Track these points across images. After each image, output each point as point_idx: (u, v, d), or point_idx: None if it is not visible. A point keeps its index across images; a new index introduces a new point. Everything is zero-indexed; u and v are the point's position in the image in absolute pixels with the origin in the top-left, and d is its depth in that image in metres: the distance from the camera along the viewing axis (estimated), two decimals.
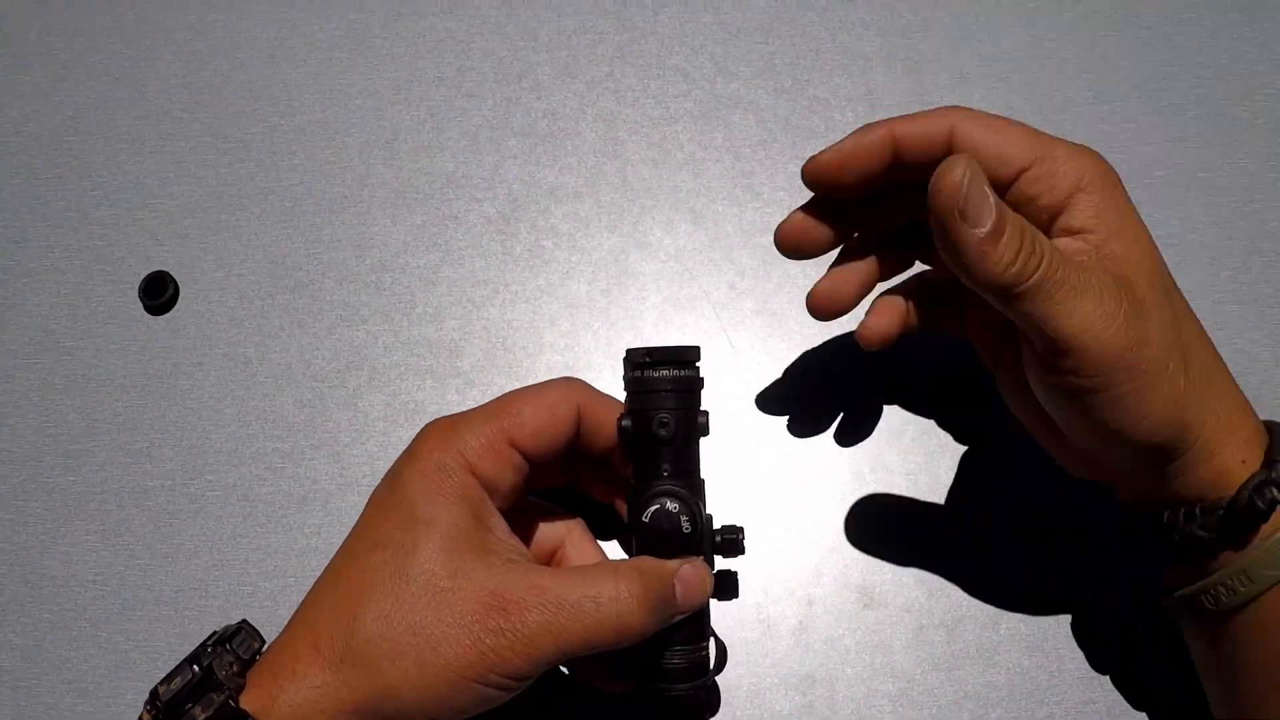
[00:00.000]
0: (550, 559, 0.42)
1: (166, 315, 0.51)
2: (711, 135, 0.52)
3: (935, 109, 0.37)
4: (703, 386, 0.40)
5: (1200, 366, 0.36)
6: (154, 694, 0.35)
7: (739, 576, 0.41)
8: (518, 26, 0.55)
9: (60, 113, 0.55)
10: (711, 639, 0.40)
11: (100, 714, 0.46)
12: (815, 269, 0.50)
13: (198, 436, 0.49)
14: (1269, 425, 0.37)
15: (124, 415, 0.50)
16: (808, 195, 0.51)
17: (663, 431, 0.38)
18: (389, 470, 0.38)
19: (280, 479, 0.48)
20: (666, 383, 0.38)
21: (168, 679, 0.36)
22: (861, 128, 0.38)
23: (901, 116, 0.37)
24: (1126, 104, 0.52)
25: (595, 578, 0.35)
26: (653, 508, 0.37)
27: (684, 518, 0.37)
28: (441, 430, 0.38)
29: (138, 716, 0.36)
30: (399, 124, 0.53)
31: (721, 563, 0.40)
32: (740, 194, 0.51)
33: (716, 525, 0.40)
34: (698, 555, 0.38)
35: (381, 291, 0.51)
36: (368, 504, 0.38)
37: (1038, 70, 0.53)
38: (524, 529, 0.41)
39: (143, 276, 0.51)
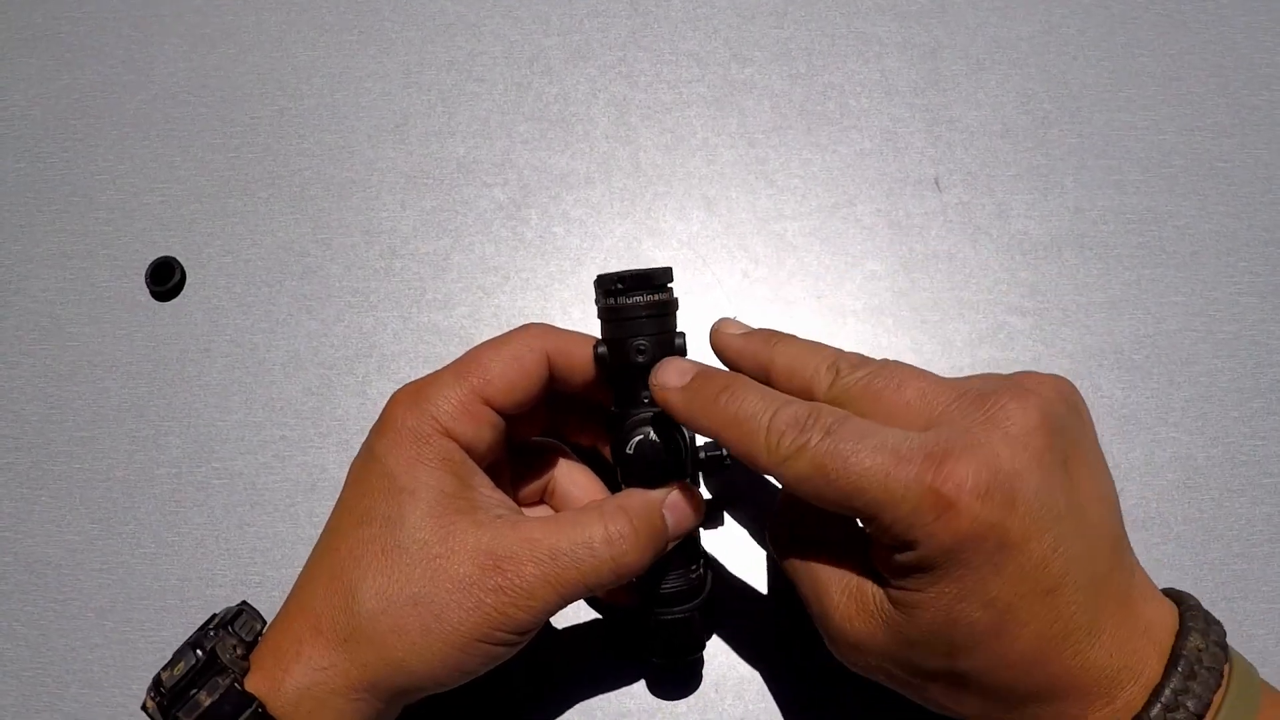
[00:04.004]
0: (543, 494, 0.42)
1: (173, 301, 0.51)
2: (725, 121, 0.52)
3: (768, 445, 0.33)
4: (678, 308, 0.39)
5: (989, 698, 0.32)
6: (157, 680, 0.35)
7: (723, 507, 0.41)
8: (529, 10, 0.54)
9: (66, 96, 0.54)
10: (702, 560, 0.40)
11: (106, 703, 0.45)
12: (831, 261, 0.49)
13: (204, 424, 0.49)
14: (1159, 684, 0.31)
15: (130, 402, 0.49)
16: (821, 181, 0.51)
17: (640, 358, 0.37)
18: (364, 443, 0.38)
19: (288, 467, 0.48)
20: (641, 309, 0.37)
21: (170, 664, 0.35)
22: (760, 337, 0.37)
23: (734, 423, 0.34)
24: (1144, 92, 0.52)
25: (585, 522, 0.35)
26: (635, 438, 0.37)
27: (668, 446, 0.37)
28: (411, 396, 0.37)
29: (141, 704, 0.35)
30: (409, 108, 0.53)
31: (705, 491, 0.40)
32: (754, 180, 0.51)
33: (699, 443, 0.39)
34: (684, 478, 0.38)
35: (391, 277, 0.50)
36: (347, 479, 0.38)
37: (1054, 56, 0.52)
38: (510, 473, 0.41)
39: (149, 262, 0.51)
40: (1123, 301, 0.48)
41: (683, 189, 0.51)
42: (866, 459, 0.30)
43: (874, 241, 0.50)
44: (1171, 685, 0.30)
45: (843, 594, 0.34)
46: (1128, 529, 0.33)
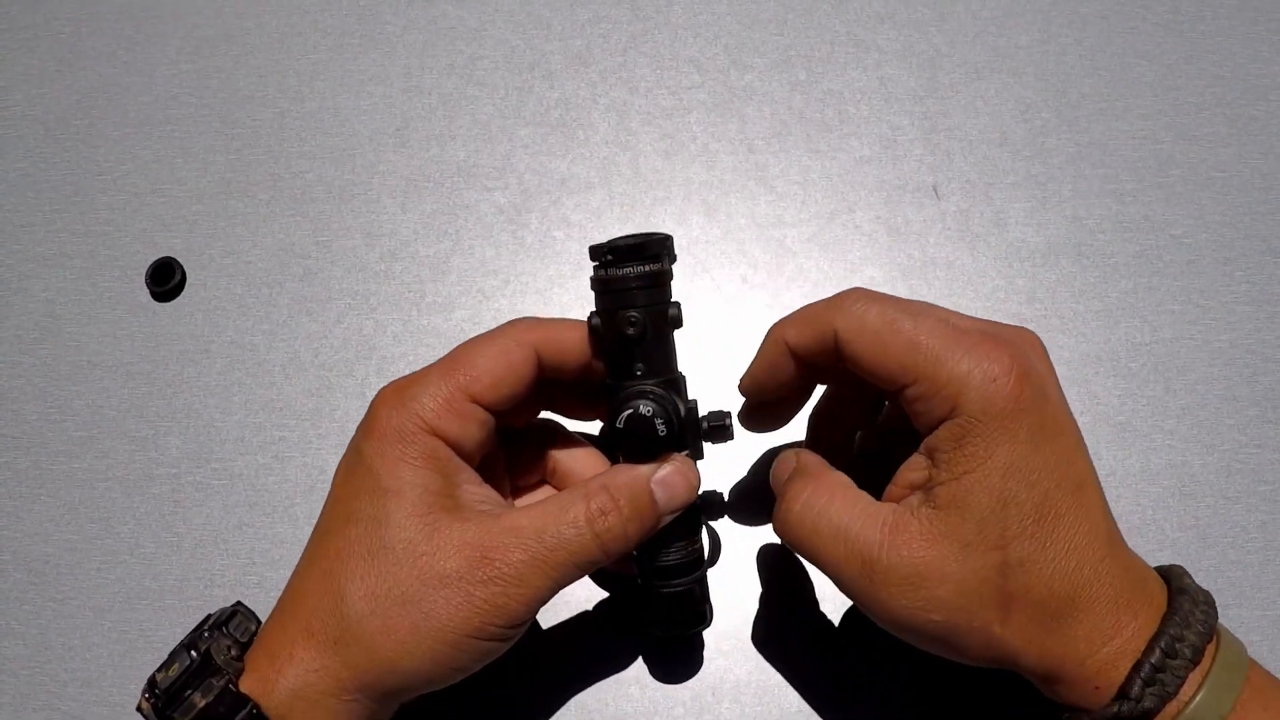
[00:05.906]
0: (544, 475, 0.42)
1: (173, 302, 0.51)
2: (725, 127, 0.52)
3: (832, 305, 0.36)
4: (672, 278, 0.38)
5: (1035, 611, 0.32)
6: (152, 682, 0.35)
7: (724, 496, 0.41)
8: (530, 15, 0.54)
9: (67, 96, 0.54)
10: (705, 531, 0.39)
11: (104, 702, 0.45)
12: (830, 268, 0.50)
13: (204, 425, 0.49)
14: (1154, 639, 0.32)
15: (129, 402, 0.49)
16: (820, 187, 0.51)
17: (631, 330, 0.36)
18: (350, 442, 0.38)
19: (287, 468, 0.48)
20: (632, 280, 0.36)
21: (165, 665, 0.35)
22: (765, 340, 0.38)
23: (794, 317, 0.37)
24: (1141, 101, 0.52)
25: (568, 503, 0.35)
26: (626, 412, 0.36)
27: (659, 420, 0.36)
28: (395, 394, 0.37)
29: (136, 705, 0.35)
30: (410, 112, 0.53)
31: (708, 482, 0.39)
32: (753, 187, 0.51)
33: (703, 412, 0.39)
34: (681, 450, 0.37)
35: (391, 280, 0.50)
36: (335, 479, 0.38)
37: (1052, 65, 0.52)
38: (507, 460, 0.41)
39: (150, 262, 0.51)
40: (1119, 310, 0.49)
41: (682, 194, 0.51)
42: (929, 322, 0.34)
43: (873, 248, 0.50)
44: (1183, 607, 0.33)
45: (882, 531, 0.34)
46: (1123, 535, 0.34)
